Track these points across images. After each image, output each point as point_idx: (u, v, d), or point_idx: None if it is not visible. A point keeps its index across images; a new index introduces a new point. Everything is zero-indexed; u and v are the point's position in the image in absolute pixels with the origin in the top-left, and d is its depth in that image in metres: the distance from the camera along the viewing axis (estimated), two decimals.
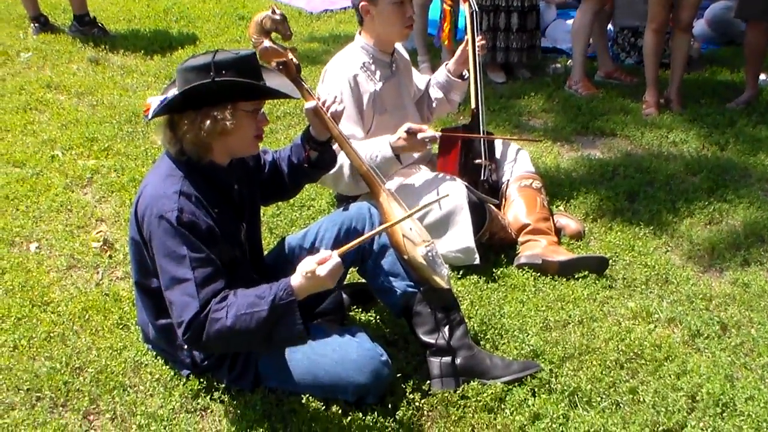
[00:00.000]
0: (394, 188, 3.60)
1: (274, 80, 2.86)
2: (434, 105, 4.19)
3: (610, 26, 6.86)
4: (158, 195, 2.61)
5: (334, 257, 2.50)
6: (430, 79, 4.22)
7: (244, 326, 2.49)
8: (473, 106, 4.07)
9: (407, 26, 3.76)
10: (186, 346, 2.81)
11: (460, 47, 4.06)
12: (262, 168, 3.08)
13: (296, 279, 2.51)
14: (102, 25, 7.00)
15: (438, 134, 3.63)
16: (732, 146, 5.15)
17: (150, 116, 2.67)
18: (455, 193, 3.64)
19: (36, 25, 6.83)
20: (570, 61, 6.38)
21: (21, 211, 4.17)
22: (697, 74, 6.56)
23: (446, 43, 4.48)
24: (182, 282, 2.54)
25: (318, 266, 2.48)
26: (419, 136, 3.49)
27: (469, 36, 4.02)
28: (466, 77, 4.10)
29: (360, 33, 3.82)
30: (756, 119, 5.54)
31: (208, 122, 2.58)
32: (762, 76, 6.11)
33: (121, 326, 3.29)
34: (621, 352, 3.20)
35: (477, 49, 4.02)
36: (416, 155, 3.97)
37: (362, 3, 3.69)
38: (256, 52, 2.73)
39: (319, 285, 2.51)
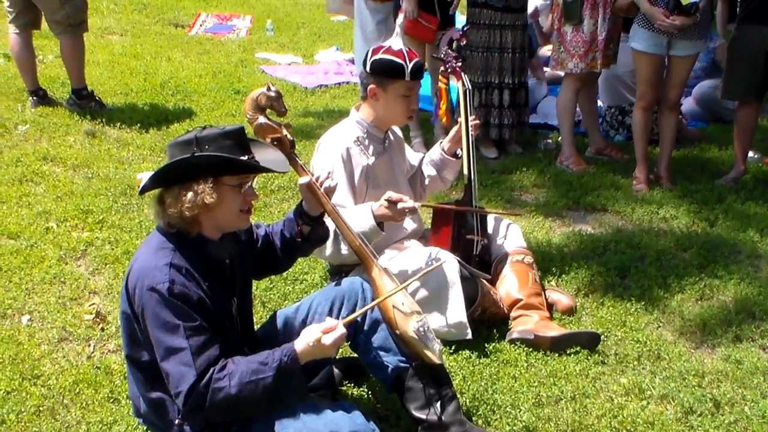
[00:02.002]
0: (386, 262, 3.61)
1: (269, 154, 2.90)
2: (427, 182, 4.22)
3: (600, 103, 6.98)
4: (149, 267, 2.63)
5: (340, 327, 2.61)
6: (423, 157, 4.27)
7: (250, 394, 2.55)
8: (466, 181, 4.12)
9: (409, 117, 3.85)
10: (178, 420, 2.78)
11: (455, 128, 4.11)
12: (255, 242, 3.10)
13: (300, 344, 2.60)
14: (99, 98, 7.07)
15: (417, 204, 3.65)
16: (722, 222, 5.20)
17: (139, 191, 2.74)
18: (448, 268, 3.65)
19: (34, 98, 6.91)
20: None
21: (14, 283, 4.17)
22: (686, 151, 6.66)
23: (444, 120, 4.53)
24: (178, 352, 2.55)
25: (323, 335, 2.58)
26: (399, 206, 3.51)
27: (462, 113, 4.09)
28: (459, 156, 4.15)
29: (358, 108, 3.87)
30: (744, 195, 5.61)
31: (189, 195, 2.61)
32: (750, 153, 6.20)
33: (111, 400, 3.27)
34: (614, 429, 3.19)
35: (470, 127, 4.08)
36: (408, 229, 4.00)
37: (371, 85, 3.73)
38: (242, 127, 2.76)
39: (322, 353, 2.62)
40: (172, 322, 2.56)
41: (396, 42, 3.79)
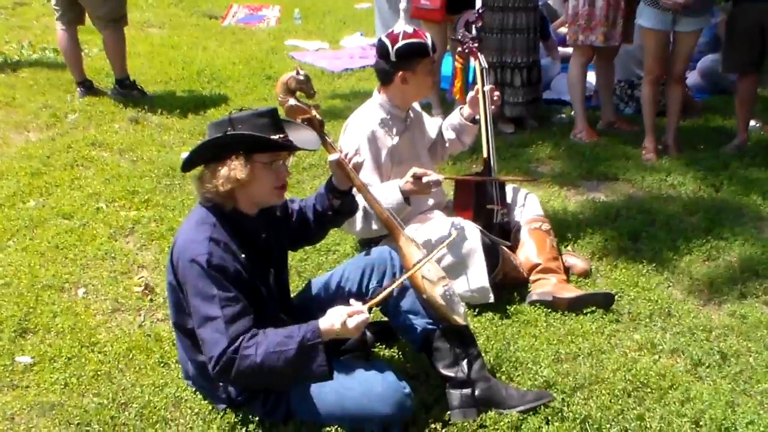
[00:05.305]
0: (412, 233, 3.62)
1: (303, 134, 2.91)
2: (447, 144, 4.20)
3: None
4: (190, 240, 2.67)
5: (364, 313, 2.59)
6: (442, 123, 4.25)
7: (272, 364, 2.55)
8: (485, 155, 4.11)
9: (435, 85, 3.86)
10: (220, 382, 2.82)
11: (471, 93, 4.08)
12: (290, 216, 3.12)
13: (325, 323, 2.59)
14: (141, 87, 7.10)
15: (441, 178, 3.63)
16: (726, 187, 5.17)
17: (181, 168, 2.79)
18: (470, 236, 3.66)
19: (82, 89, 6.95)
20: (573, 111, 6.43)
21: (69, 259, 4.22)
22: (692, 121, 6.59)
23: (458, 97, 4.54)
24: (212, 320, 2.58)
25: (348, 318, 2.56)
26: (424, 180, 3.50)
27: (479, 86, 4.06)
28: (477, 120, 4.12)
29: (380, 91, 3.86)
30: (747, 162, 5.56)
31: (223, 171, 2.65)
32: (751, 122, 6.13)
33: (162, 364, 3.32)
34: (628, 382, 3.19)
35: (487, 99, 4.04)
36: (431, 202, 4.01)
37: (400, 72, 3.68)
38: (275, 108, 2.77)
39: (345, 333, 2.60)
40: (209, 293, 2.59)
41: (403, 26, 3.77)
